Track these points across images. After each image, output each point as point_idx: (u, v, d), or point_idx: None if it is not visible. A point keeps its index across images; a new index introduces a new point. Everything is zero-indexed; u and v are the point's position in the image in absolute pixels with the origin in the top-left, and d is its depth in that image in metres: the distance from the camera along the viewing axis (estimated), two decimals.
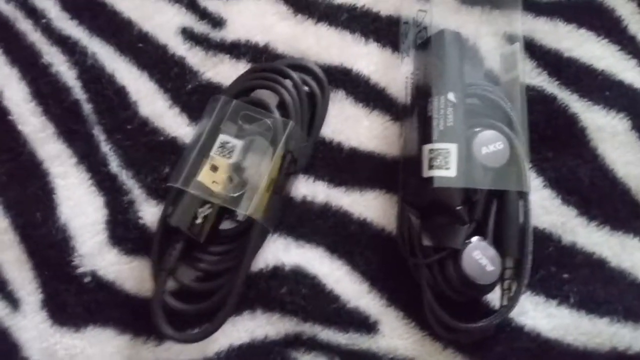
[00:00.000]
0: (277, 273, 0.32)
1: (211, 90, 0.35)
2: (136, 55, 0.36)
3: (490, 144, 0.29)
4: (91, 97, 0.35)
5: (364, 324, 0.31)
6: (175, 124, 0.35)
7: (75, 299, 0.32)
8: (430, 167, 0.29)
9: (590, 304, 0.31)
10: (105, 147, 0.34)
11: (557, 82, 0.35)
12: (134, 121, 0.35)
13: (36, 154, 0.34)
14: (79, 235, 0.33)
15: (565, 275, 0.32)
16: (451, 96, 0.29)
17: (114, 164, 0.34)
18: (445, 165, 0.29)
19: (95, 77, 0.35)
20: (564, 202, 0.33)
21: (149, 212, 0.33)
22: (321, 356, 0.31)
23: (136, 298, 0.32)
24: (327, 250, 0.32)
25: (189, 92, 0.35)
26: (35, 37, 0.36)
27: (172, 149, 0.34)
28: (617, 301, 0.31)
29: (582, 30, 0.36)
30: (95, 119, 0.35)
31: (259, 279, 0.32)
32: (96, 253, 0.33)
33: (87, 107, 0.35)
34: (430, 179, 0.29)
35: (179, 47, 0.36)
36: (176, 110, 0.35)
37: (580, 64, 0.35)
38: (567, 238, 0.32)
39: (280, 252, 0.32)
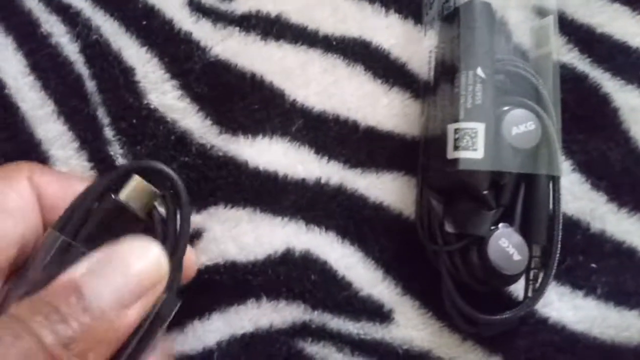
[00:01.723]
0: (286, 258, 0.30)
1: (220, 70, 0.32)
2: (142, 32, 0.33)
3: (521, 124, 0.27)
4: (95, 73, 0.32)
5: (378, 313, 0.30)
6: (184, 114, 0.32)
7: None
8: (456, 148, 0.27)
9: (618, 296, 0.29)
10: (109, 133, 0.32)
11: (588, 60, 0.33)
12: (140, 109, 0.32)
13: (34, 133, 0.32)
14: None
15: (593, 265, 0.30)
16: (480, 71, 0.27)
17: (118, 154, 0.32)
18: (472, 146, 0.27)
19: (100, 53, 0.33)
20: (593, 188, 0.31)
21: None
22: (330, 346, 0.30)
23: None
24: (340, 235, 0.31)
25: (198, 76, 0.32)
26: (33, 3, 0.34)
27: (179, 142, 0.32)
28: None
29: (616, 5, 0.34)
30: (99, 99, 0.32)
31: (267, 265, 0.30)
32: None
33: (90, 85, 0.32)
34: (455, 161, 0.27)
35: (185, 21, 0.33)
36: (186, 100, 0.32)
37: (614, 41, 0.33)
38: (596, 225, 0.30)
39: (290, 236, 0.31)
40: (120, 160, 0.32)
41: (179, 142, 0.32)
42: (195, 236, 0.31)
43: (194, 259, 0.30)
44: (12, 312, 0.19)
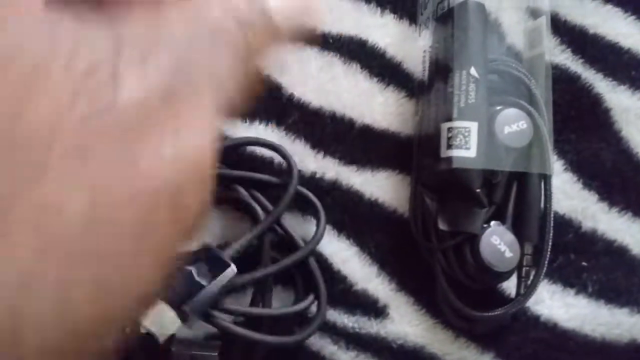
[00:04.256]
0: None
1: None
2: None
3: (513, 123, 0.28)
4: None
5: (372, 308, 0.30)
6: None
7: None
8: (449, 146, 0.27)
9: (609, 294, 0.30)
10: None
11: (581, 60, 0.33)
12: None
13: None
14: None
15: (585, 263, 0.30)
16: (473, 71, 0.28)
17: None
18: (465, 144, 0.27)
19: None
20: (585, 187, 0.31)
21: None
22: (325, 338, 0.30)
23: None
24: (335, 229, 0.31)
25: None
26: None
27: None
28: (638, 291, 0.30)
29: (609, 6, 0.34)
30: None
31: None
32: None
33: None
34: (448, 159, 0.27)
35: None
36: None
37: (606, 42, 0.33)
38: (588, 224, 0.31)
39: (287, 227, 0.31)
40: None
41: None
42: None
43: None
44: None
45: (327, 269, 0.30)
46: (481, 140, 0.27)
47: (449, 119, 0.28)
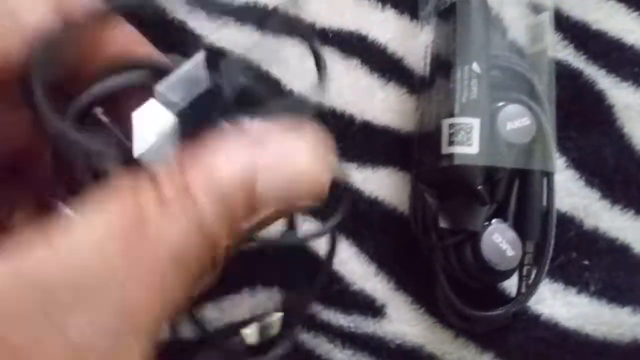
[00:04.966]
0: (280, 248, 0.30)
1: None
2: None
3: (516, 120, 0.27)
4: None
5: (370, 307, 0.30)
6: None
7: None
8: (451, 143, 0.27)
9: (611, 293, 0.29)
10: None
11: (583, 56, 0.33)
12: None
13: None
14: None
15: (586, 262, 0.30)
16: (475, 66, 0.27)
17: None
18: (467, 141, 0.27)
19: None
20: (587, 184, 0.31)
21: None
22: (321, 336, 0.30)
23: None
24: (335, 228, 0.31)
25: None
26: None
27: None
28: None
29: (612, 2, 0.33)
30: None
31: (262, 254, 0.30)
32: None
33: None
34: (450, 156, 0.27)
35: (179, 11, 0.33)
36: None
37: (609, 38, 0.33)
38: (590, 222, 0.30)
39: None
40: None
41: None
42: None
43: None
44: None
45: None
46: (483, 137, 0.27)
47: (451, 115, 0.27)
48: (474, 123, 0.27)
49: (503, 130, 0.27)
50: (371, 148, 0.31)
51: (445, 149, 0.27)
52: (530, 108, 0.28)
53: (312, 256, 0.30)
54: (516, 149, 0.27)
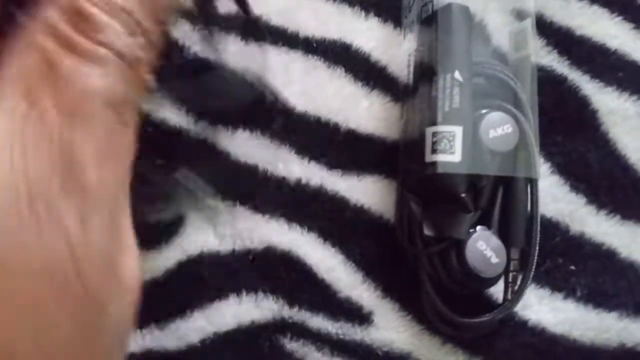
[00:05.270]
0: (267, 255, 0.30)
1: (198, 67, 0.32)
2: None
3: (498, 127, 0.27)
4: None
5: (357, 315, 0.30)
6: (160, 105, 0.32)
7: None
8: (434, 151, 0.27)
9: (598, 298, 0.29)
10: None
11: (567, 62, 0.33)
12: None
13: None
14: None
15: (573, 267, 0.30)
16: (458, 75, 0.27)
17: None
18: (450, 149, 0.27)
19: None
20: (572, 190, 0.31)
21: None
22: (309, 345, 0.30)
23: None
24: (321, 237, 0.31)
25: (176, 72, 0.33)
26: None
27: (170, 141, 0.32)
28: (627, 295, 0.29)
29: (595, 7, 0.34)
30: None
31: (248, 259, 0.30)
32: None
33: None
34: (433, 164, 0.27)
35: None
36: (162, 93, 0.32)
37: (593, 43, 0.33)
38: (575, 227, 0.31)
39: (272, 233, 0.31)
40: None
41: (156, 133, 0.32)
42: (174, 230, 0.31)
43: None
44: None
45: (312, 277, 0.30)
46: (466, 145, 0.27)
47: (434, 124, 0.27)
48: (457, 131, 0.27)
49: (486, 138, 0.27)
50: (356, 156, 0.31)
51: (429, 157, 0.27)
52: (513, 115, 0.28)
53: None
54: (499, 156, 0.27)
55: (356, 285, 0.30)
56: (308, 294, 0.30)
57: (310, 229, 0.31)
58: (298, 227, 0.31)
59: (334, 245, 0.31)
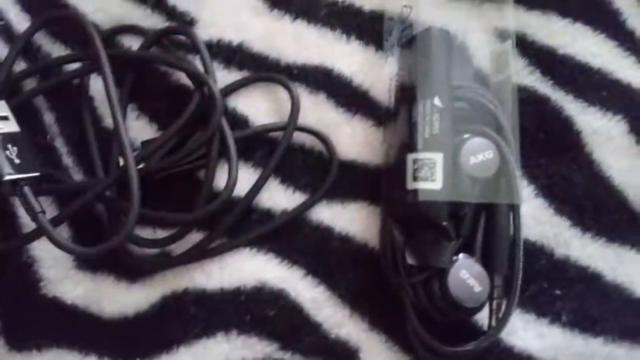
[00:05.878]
0: (256, 293, 0.30)
1: (181, 94, 0.32)
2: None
3: (479, 153, 0.27)
4: (54, 105, 0.33)
5: (344, 353, 0.29)
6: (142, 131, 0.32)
7: (34, 320, 0.30)
8: (415, 178, 0.27)
9: (583, 323, 0.29)
10: (67, 160, 0.32)
11: (550, 82, 0.33)
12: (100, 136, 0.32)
13: None
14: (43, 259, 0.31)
15: (558, 291, 0.30)
16: (437, 101, 0.27)
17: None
18: (431, 176, 0.27)
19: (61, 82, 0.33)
20: (556, 212, 0.31)
21: None
22: None
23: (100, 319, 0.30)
24: (309, 273, 0.30)
25: (157, 97, 0.33)
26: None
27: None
28: (613, 319, 0.29)
29: (578, 25, 0.33)
30: (58, 130, 0.32)
31: (237, 297, 0.30)
32: (62, 276, 0.31)
33: (49, 117, 0.32)
34: (414, 192, 0.27)
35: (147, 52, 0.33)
36: (144, 119, 0.32)
37: (576, 62, 0.33)
38: (560, 251, 0.30)
39: (260, 270, 0.30)
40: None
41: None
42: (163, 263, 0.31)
43: None
44: None
45: (302, 318, 0.30)
46: (447, 172, 0.27)
47: (414, 150, 0.27)
48: (437, 158, 0.27)
49: (466, 164, 0.27)
50: (340, 183, 0.31)
51: (410, 185, 0.27)
52: (494, 141, 0.28)
53: None
54: (480, 183, 0.27)
55: (344, 323, 0.30)
56: (299, 336, 0.30)
57: (297, 264, 0.30)
58: (286, 263, 0.30)
59: (321, 282, 0.30)
